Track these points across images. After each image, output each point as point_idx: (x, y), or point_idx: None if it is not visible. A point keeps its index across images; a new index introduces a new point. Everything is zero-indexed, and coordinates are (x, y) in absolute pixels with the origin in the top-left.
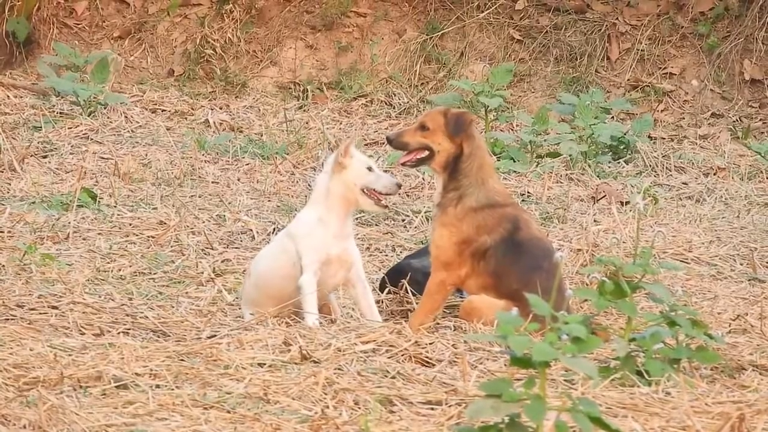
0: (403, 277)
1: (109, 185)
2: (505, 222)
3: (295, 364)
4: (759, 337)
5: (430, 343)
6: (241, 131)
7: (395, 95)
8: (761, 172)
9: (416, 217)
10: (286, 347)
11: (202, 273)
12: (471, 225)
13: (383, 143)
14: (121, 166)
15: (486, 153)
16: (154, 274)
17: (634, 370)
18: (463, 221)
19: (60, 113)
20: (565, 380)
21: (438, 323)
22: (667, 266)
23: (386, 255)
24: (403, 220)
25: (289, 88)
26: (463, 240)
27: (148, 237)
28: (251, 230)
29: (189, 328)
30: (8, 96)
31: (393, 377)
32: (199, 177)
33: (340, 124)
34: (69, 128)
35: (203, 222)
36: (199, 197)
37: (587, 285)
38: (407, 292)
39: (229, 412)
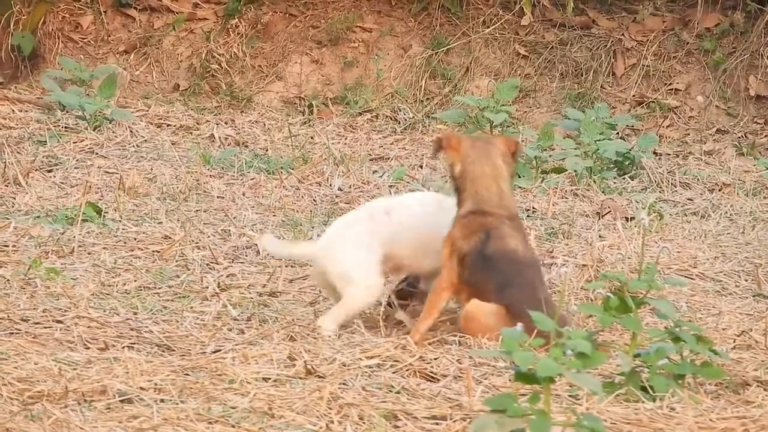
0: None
1: (114, 200)
2: (480, 231)
3: (300, 378)
4: (763, 353)
5: (434, 358)
6: (246, 146)
7: (400, 110)
8: (766, 188)
9: None
10: (290, 362)
11: (207, 288)
12: (458, 230)
13: (388, 158)
14: (126, 181)
15: (483, 166)
16: (159, 288)
17: (638, 385)
18: (455, 226)
19: (65, 128)
20: (569, 396)
21: (443, 338)
22: (672, 282)
23: None
24: None
25: (295, 103)
26: (452, 243)
27: (153, 251)
28: (256, 245)
29: (194, 343)
30: (13, 110)
31: (398, 392)
32: (204, 191)
33: (345, 139)
34: (74, 143)
35: (208, 236)
36: (204, 212)
37: (592, 300)
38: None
39: (233, 426)
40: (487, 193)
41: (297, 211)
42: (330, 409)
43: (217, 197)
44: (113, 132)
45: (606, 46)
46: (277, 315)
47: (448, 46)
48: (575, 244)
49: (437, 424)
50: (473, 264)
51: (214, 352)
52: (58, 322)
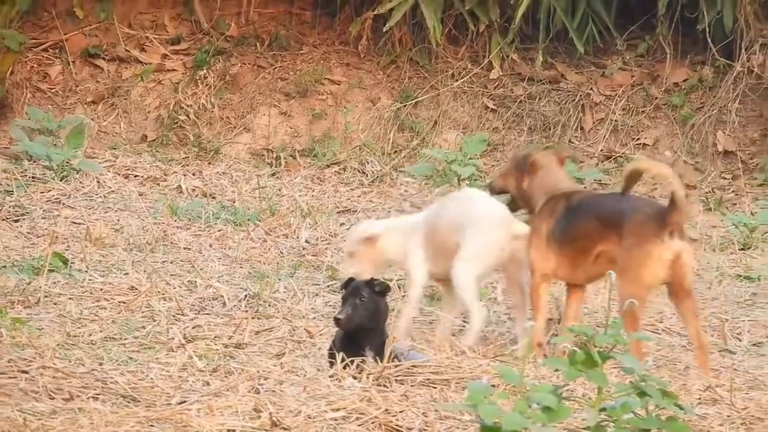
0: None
1: (81, 250)
2: None
3: (265, 430)
4: (728, 409)
5: (400, 411)
6: (213, 197)
7: (368, 163)
8: (733, 243)
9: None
10: (256, 414)
11: (173, 339)
12: None
13: (356, 211)
14: (92, 231)
15: None
16: (125, 339)
17: None
18: None
19: (32, 177)
20: None
21: (408, 390)
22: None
23: None
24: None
25: (263, 155)
26: None
27: (119, 302)
28: (222, 296)
29: (159, 394)
30: None
31: None
32: (171, 243)
33: (313, 191)
34: (41, 192)
35: (174, 288)
36: (171, 263)
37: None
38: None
39: None
40: None
41: (264, 263)
42: None
43: (184, 248)
44: (80, 182)
45: (574, 100)
46: (242, 367)
47: (417, 99)
48: None
49: None
50: None
51: (180, 404)
52: (23, 372)
